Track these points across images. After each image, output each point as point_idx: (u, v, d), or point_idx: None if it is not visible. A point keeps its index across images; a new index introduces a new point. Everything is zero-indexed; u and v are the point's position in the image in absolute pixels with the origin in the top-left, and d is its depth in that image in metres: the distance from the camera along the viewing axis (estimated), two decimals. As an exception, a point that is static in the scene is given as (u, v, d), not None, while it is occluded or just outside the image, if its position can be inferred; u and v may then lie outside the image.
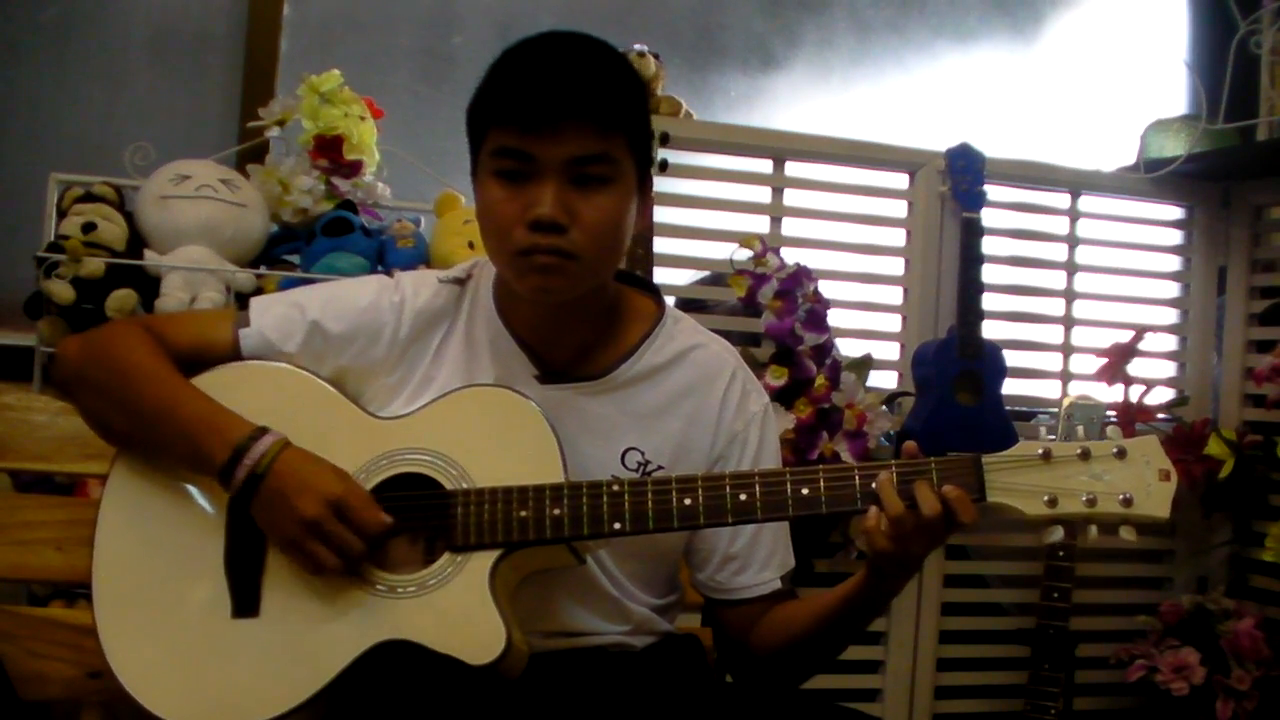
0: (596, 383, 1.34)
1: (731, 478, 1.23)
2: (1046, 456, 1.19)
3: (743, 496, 1.21)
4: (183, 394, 1.27)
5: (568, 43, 1.26)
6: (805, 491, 1.21)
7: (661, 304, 1.42)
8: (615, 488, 1.22)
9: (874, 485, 1.19)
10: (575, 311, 1.32)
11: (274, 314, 1.34)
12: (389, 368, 1.34)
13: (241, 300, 1.94)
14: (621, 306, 1.38)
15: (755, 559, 1.38)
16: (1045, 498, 1.18)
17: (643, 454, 1.34)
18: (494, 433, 1.26)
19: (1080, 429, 1.21)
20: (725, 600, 1.41)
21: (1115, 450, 1.18)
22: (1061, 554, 2.40)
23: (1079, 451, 1.18)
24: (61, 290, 1.95)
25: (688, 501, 1.22)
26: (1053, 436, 1.21)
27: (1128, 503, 1.17)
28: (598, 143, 1.22)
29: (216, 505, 1.27)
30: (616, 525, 1.22)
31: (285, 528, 1.20)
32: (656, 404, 1.36)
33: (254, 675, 1.22)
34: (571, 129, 1.21)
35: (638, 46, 2.43)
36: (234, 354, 1.32)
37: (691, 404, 1.37)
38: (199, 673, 1.23)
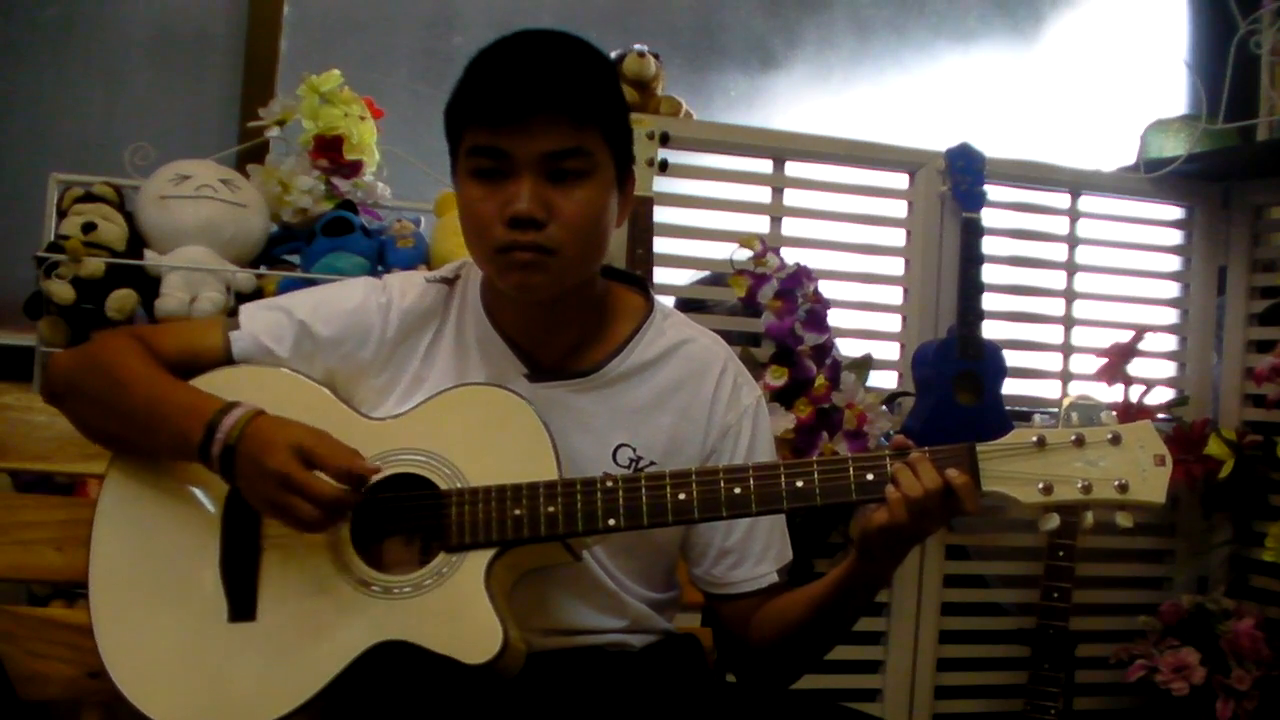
0: (586, 380, 1.34)
1: (725, 471, 1.23)
2: (1041, 444, 1.19)
3: (737, 490, 1.21)
4: (168, 388, 1.27)
5: (538, 39, 1.26)
6: (800, 484, 1.21)
7: (650, 299, 1.41)
8: (609, 484, 1.22)
9: (870, 476, 1.19)
10: (563, 309, 1.32)
11: (264, 318, 1.35)
12: (377, 369, 1.34)
13: (241, 301, 1.95)
14: (610, 303, 1.38)
15: (751, 553, 1.38)
16: (1040, 485, 1.18)
17: (634, 450, 1.34)
18: (487, 432, 1.26)
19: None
20: (722, 595, 1.40)
21: (1110, 436, 1.18)
22: (1061, 554, 2.40)
23: (1073, 438, 1.18)
24: (61, 290, 1.95)
25: (682, 496, 1.22)
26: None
27: (1123, 488, 1.17)
28: (572, 136, 1.22)
29: (212, 508, 1.27)
30: (611, 521, 1.22)
31: (261, 489, 1.19)
32: (647, 399, 1.36)
33: (251, 679, 1.22)
34: (543, 123, 1.21)
35: (638, 46, 2.43)
36: (225, 358, 1.33)
37: (683, 398, 1.37)
38: (196, 677, 1.23)
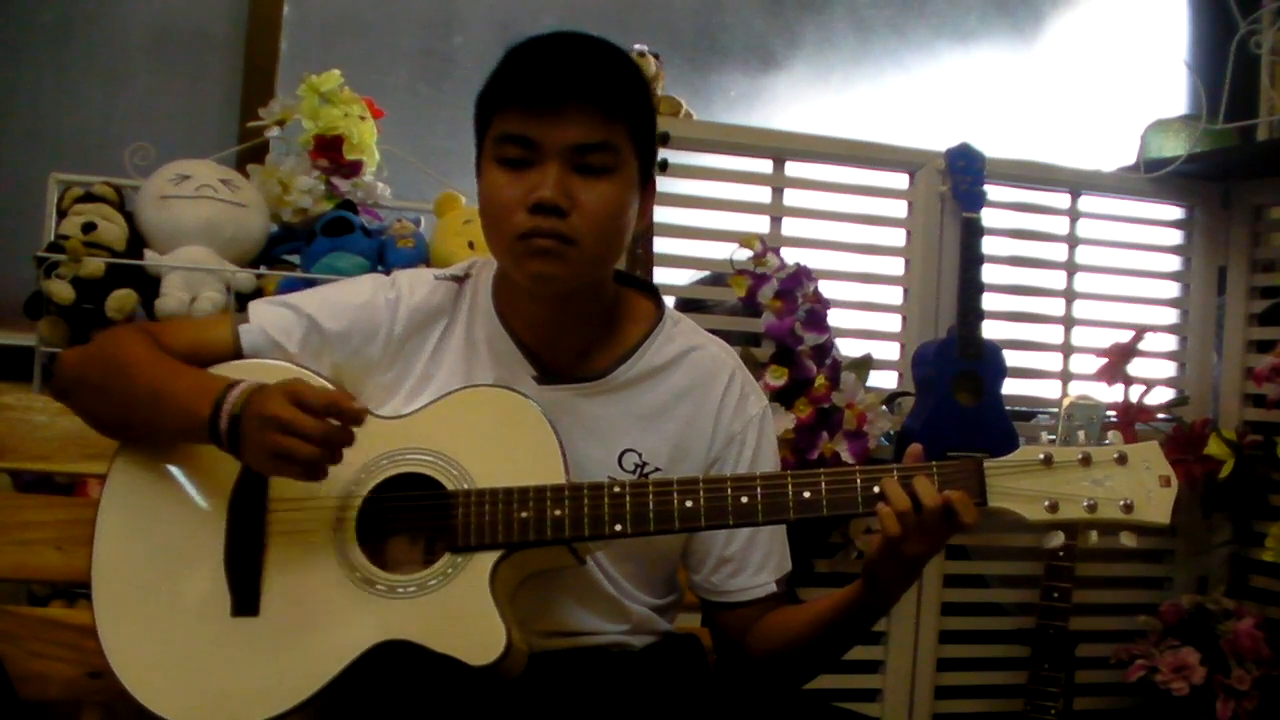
0: (595, 384, 1.34)
1: (733, 480, 1.23)
2: (1048, 462, 1.19)
3: (744, 499, 1.21)
4: (173, 371, 1.27)
5: (573, 37, 1.28)
6: (807, 494, 1.21)
7: (661, 305, 1.42)
8: (616, 489, 1.22)
9: (876, 489, 1.19)
10: (574, 311, 1.32)
11: (272, 314, 1.35)
12: (385, 365, 1.34)
13: (241, 300, 1.95)
14: (621, 307, 1.38)
15: (750, 562, 1.38)
16: (1046, 503, 1.18)
17: (640, 455, 1.34)
18: (495, 433, 1.26)
19: (1081, 433, 1.21)
20: (721, 603, 1.40)
21: (1116, 456, 1.18)
22: (1061, 554, 2.40)
23: (1080, 457, 1.19)
24: (61, 290, 1.95)
25: (689, 503, 1.22)
26: (1053, 437, 1.22)
27: (1128, 509, 1.17)
28: (601, 130, 1.23)
29: (217, 504, 1.27)
30: (617, 527, 1.22)
31: (261, 443, 1.16)
32: (654, 405, 1.36)
33: (253, 674, 1.22)
34: (574, 112, 1.21)
35: (638, 46, 2.43)
36: (234, 351, 1.32)
37: (689, 405, 1.37)
38: (198, 671, 1.23)
